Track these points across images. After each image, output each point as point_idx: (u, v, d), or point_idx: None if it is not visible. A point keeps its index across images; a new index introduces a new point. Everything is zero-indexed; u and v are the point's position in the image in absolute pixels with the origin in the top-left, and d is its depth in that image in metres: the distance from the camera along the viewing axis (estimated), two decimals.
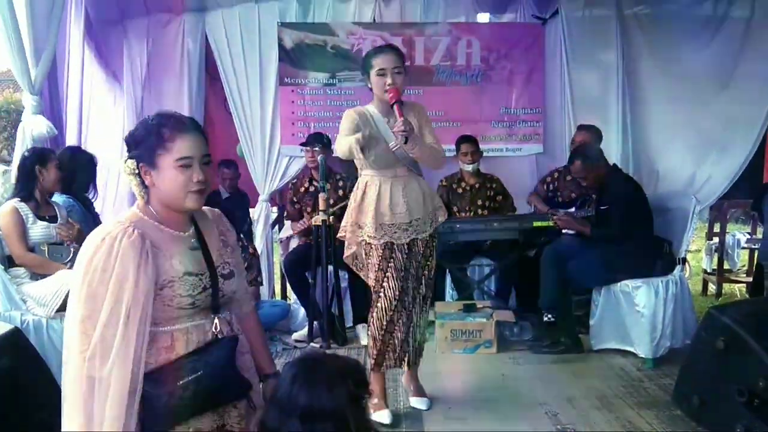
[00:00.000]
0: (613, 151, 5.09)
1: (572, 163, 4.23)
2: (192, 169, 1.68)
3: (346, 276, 4.68)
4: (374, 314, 3.13)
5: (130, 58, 5.25)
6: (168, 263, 1.67)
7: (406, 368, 3.35)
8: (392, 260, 3.10)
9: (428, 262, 3.24)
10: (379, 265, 3.10)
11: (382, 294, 3.10)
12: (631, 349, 3.93)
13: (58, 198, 3.88)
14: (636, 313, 3.87)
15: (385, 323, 3.11)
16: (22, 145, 4.04)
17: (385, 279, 3.10)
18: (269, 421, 1.43)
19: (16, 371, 2.86)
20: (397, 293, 3.09)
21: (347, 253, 3.23)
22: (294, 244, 5.02)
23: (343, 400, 1.39)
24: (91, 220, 3.97)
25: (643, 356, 3.86)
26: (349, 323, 4.72)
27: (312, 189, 4.77)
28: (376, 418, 3.06)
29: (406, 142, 2.91)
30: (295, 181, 5.06)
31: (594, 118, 5.03)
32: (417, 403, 3.32)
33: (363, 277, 3.26)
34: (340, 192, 4.73)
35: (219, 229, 1.85)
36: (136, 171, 1.70)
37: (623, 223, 3.94)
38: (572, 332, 4.15)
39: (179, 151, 1.66)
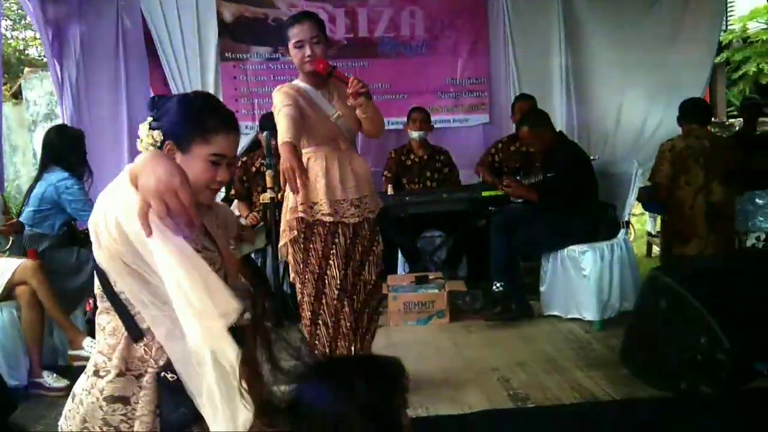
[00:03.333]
0: (557, 119, 5.17)
1: (519, 129, 4.26)
2: (220, 167, 1.60)
3: None
4: (323, 301, 2.92)
5: (65, 37, 5.05)
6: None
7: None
8: (335, 246, 2.89)
9: (374, 247, 3.03)
10: (322, 251, 2.88)
11: (327, 281, 2.90)
12: (580, 314, 4.01)
13: (60, 176, 3.75)
14: (582, 278, 3.96)
15: (333, 311, 2.91)
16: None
17: (329, 267, 2.89)
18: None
19: None
20: (339, 281, 2.90)
21: (285, 240, 2.95)
22: (241, 223, 4.95)
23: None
24: (85, 195, 3.82)
25: (590, 319, 3.95)
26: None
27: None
28: None
29: (369, 98, 2.77)
30: (244, 159, 4.95)
31: (538, 86, 5.09)
32: None
33: (293, 271, 3.00)
34: None
35: (215, 213, 1.75)
36: (158, 144, 1.59)
37: (569, 189, 4.00)
38: (522, 299, 4.22)
39: (218, 146, 1.58)
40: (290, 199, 2.89)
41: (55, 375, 3.32)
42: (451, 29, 5.43)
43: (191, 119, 1.59)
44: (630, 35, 4.98)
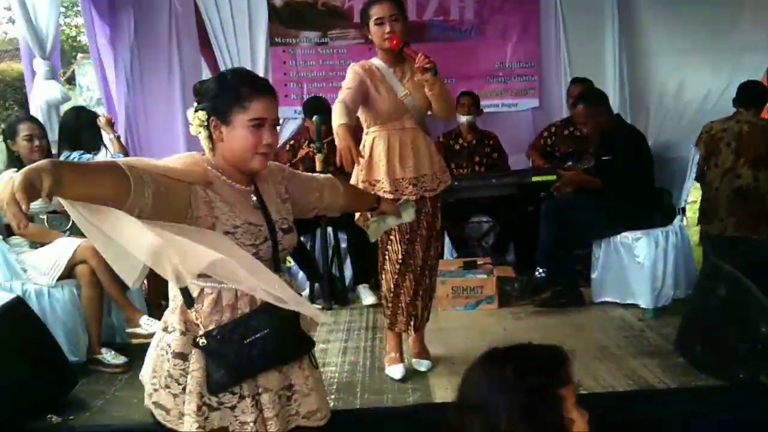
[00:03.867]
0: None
1: (575, 108, 4.15)
2: (263, 130, 1.71)
3: (346, 237, 4.68)
4: (382, 276, 3.12)
5: (118, 22, 5.13)
6: (230, 211, 1.68)
7: (412, 332, 3.25)
8: None
9: (435, 223, 3.12)
10: None
11: (387, 257, 3.07)
12: (633, 301, 3.95)
13: (67, 154, 3.85)
14: (636, 265, 3.88)
15: (392, 286, 3.09)
16: (36, 111, 4.05)
17: (389, 242, 3.05)
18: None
19: (22, 341, 2.88)
20: (401, 257, 3.04)
21: (359, 214, 3.10)
22: None
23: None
24: None
25: (644, 307, 3.88)
26: (350, 284, 4.72)
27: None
28: (389, 372, 3.15)
29: (435, 74, 2.84)
30: (292, 142, 4.98)
31: (590, 70, 4.98)
32: (418, 364, 3.25)
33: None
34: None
35: (278, 183, 1.87)
36: (206, 123, 1.71)
37: (629, 173, 3.90)
38: (572, 286, 4.15)
39: (255, 111, 1.69)
40: (354, 177, 3.03)
41: (113, 352, 3.41)
42: (501, 12, 5.36)
43: (227, 91, 1.71)
44: (687, 16, 4.83)
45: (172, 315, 1.72)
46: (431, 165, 3.05)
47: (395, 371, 3.15)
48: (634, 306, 3.95)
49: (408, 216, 2.42)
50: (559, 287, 4.10)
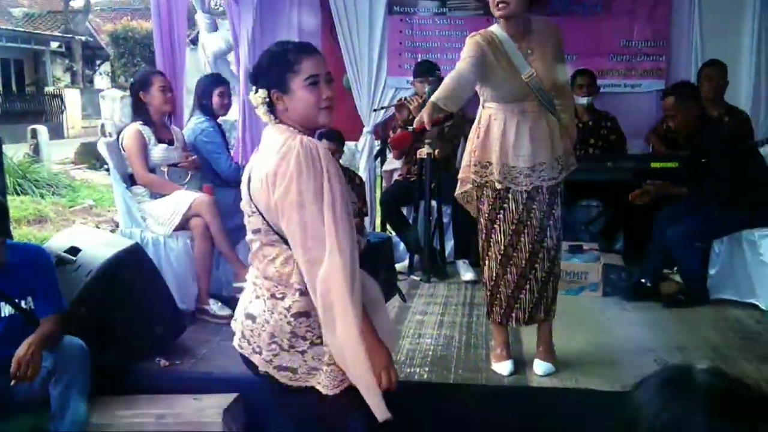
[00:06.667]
0: (743, 91, 4.74)
1: (664, 99, 3.97)
2: (319, 87, 1.78)
3: (449, 211, 4.64)
4: (485, 263, 2.89)
5: None
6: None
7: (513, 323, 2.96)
8: (502, 211, 2.78)
9: (553, 211, 2.81)
10: (488, 214, 2.81)
11: (490, 245, 2.84)
12: (753, 300, 3.71)
13: (197, 119, 4.03)
14: (761, 264, 3.64)
15: (493, 275, 2.85)
16: (205, 66, 4.25)
17: (494, 231, 2.81)
18: None
19: (138, 285, 3.04)
20: (502, 247, 2.80)
21: (460, 190, 2.96)
22: (396, 177, 4.98)
23: None
24: (222, 141, 4.09)
25: (764, 308, 3.63)
26: (449, 258, 4.70)
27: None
28: (496, 368, 2.94)
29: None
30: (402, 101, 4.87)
31: (725, 53, 4.64)
32: (537, 366, 2.94)
33: (472, 213, 2.99)
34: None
35: None
36: (268, 99, 1.79)
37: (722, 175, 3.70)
38: (698, 284, 3.90)
39: (307, 70, 1.76)
40: (467, 155, 2.88)
41: (220, 304, 3.57)
42: None
43: (276, 62, 1.79)
44: None
45: (285, 282, 1.78)
46: (551, 152, 2.76)
47: (502, 368, 2.92)
48: (754, 306, 3.71)
49: None
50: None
